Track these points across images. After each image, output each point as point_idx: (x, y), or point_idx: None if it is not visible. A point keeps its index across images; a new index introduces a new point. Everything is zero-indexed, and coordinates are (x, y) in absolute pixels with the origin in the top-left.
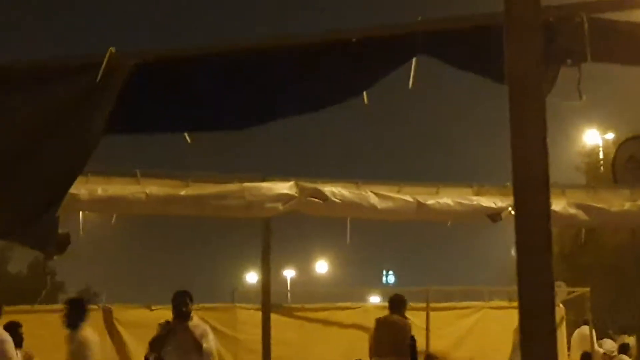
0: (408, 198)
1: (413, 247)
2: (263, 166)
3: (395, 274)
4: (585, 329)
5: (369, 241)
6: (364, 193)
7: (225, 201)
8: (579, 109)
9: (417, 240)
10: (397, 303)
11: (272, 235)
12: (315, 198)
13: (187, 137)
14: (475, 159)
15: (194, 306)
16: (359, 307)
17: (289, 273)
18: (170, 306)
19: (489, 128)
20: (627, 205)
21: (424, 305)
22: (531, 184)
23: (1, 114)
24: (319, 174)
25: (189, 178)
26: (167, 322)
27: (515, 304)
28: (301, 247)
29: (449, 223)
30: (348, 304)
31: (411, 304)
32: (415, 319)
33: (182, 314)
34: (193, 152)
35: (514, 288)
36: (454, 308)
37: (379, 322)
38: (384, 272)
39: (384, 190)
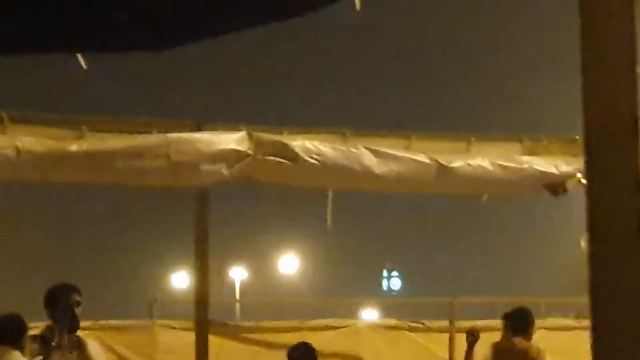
0: (422, 158)
1: (428, 237)
2: (203, 112)
3: (401, 277)
4: None
5: (363, 226)
6: (354, 150)
7: (138, 161)
8: None
9: (434, 226)
10: (522, 320)
11: (212, 216)
12: (279, 157)
13: (81, 61)
14: (525, 100)
15: (90, 324)
16: (347, 327)
17: (237, 273)
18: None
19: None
20: None
21: (446, 323)
22: (612, 136)
23: None
24: (285, 120)
25: (84, 125)
26: (41, 336)
27: (587, 322)
28: (257, 234)
29: (485, 197)
30: (330, 322)
31: (425, 323)
32: (433, 345)
33: (71, 322)
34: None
35: (585, 299)
36: (494, 329)
37: (498, 350)
38: (385, 274)
39: (385, 145)
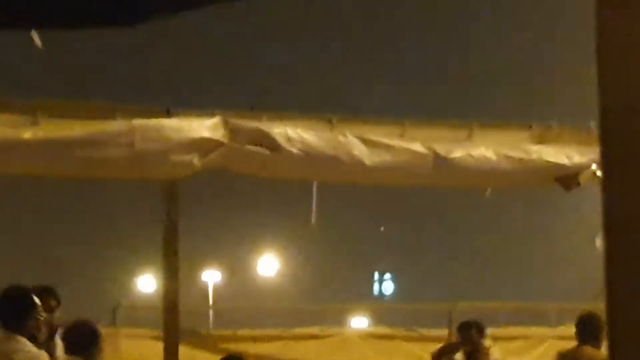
0: (418, 147)
1: (424, 235)
2: (172, 95)
3: (394, 279)
4: None
5: (351, 223)
6: (342, 138)
7: (99, 151)
8: None
9: (430, 224)
10: (591, 327)
11: (182, 212)
12: (258, 146)
13: (36, 39)
14: (533, 83)
15: None
16: (334, 336)
17: (211, 276)
18: None
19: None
20: None
21: (444, 332)
22: (632, 122)
23: None
24: (266, 105)
25: (39, 110)
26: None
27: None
28: (233, 232)
29: (488, 191)
30: (314, 330)
31: (421, 332)
32: (429, 355)
33: (40, 330)
34: (55, 76)
35: (600, 305)
36: (499, 337)
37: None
38: (377, 277)
39: (377, 133)
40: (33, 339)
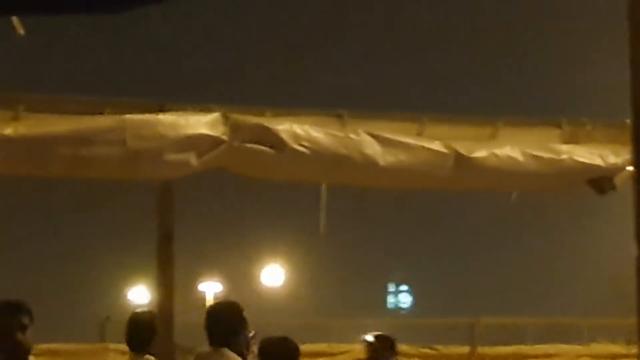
0: (438, 146)
1: (444, 243)
2: (167, 88)
3: (411, 291)
4: None
5: (364, 229)
6: (354, 137)
7: (88, 149)
8: None
9: (451, 231)
10: None
11: (178, 216)
12: (261, 144)
13: (18, 26)
14: (564, 78)
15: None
16: (345, 353)
17: (210, 287)
18: None
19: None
20: None
21: (465, 349)
22: None
23: None
24: (270, 101)
25: (20, 104)
26: None
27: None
28: (234, 238)
29: (514, 195)
30: (324, 347)
31: (439, 349)
32: None
33: (13, 349)
34: (38, 66)
35: (635, 320)
36: (526, 356)
37: None
38: (392, 288)
39: (392, 130)
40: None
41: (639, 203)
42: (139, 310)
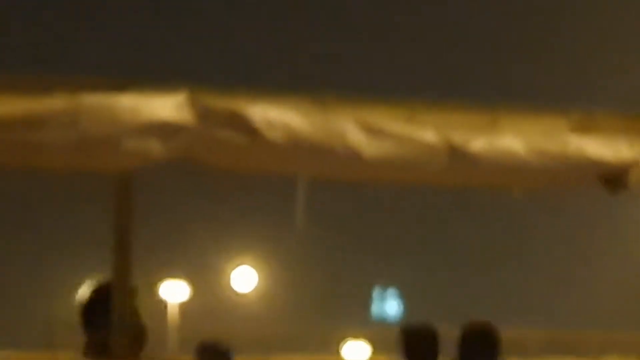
0: (430, 136)
1: (436, 244)
2: (127, 65)
3: (400, 298)
4: None
5: (347, 228)
6: (336, 123)
7: (34, 133)
8: None
9: (444, 231)
10: None
11: (138, 211)
12: (232, 131)
13: None
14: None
15: None
16: None
17: (172, 291)
18: None
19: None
20: None
21: None
22: None
23: None
24: (241, 79)
25: None
26: None
27: None
28: (201, 238)
29: (515, 191)
30: (299, 359)
31: None
32: None
33: None
34: None
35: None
36: None
37: None
38: (378, 294)
39: (379, 117)
40: None
41: None
42: None
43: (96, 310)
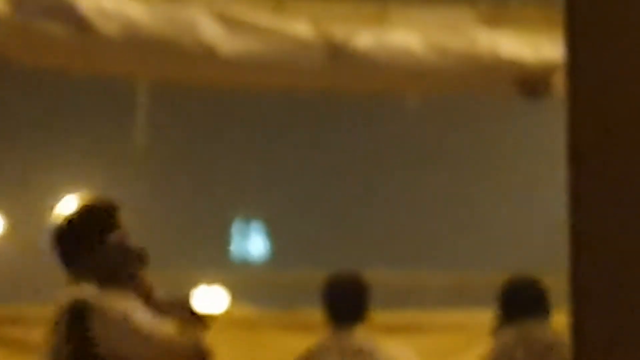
0: (304, 29)
1: (313, 170)
2: None
3: (267, 233)
4: None
5: (198, 143)
6: (186, 14)
7: None
8: None
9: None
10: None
11: None
12: (57, 21)
13: None
14: None
15: None
16: None
17: None
18: None
19: None
20: None
21: None
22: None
23: None
24: None
25: None
26: None
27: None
28: (16, 158)
29: (410, 97)
30: None
31: (303, 315)
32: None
33: None
34: None
35: (561, 277)
36: (425, 326)
37: None
38: (238, 228)
39: (238, 6)
40: None
41: (573, 114)
42: None
43: None
